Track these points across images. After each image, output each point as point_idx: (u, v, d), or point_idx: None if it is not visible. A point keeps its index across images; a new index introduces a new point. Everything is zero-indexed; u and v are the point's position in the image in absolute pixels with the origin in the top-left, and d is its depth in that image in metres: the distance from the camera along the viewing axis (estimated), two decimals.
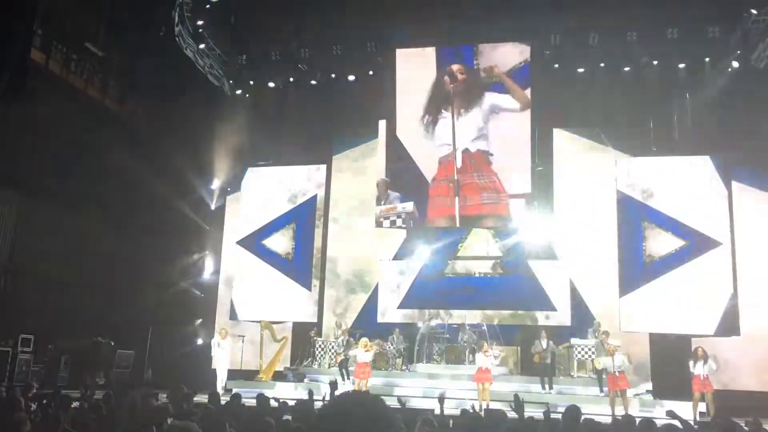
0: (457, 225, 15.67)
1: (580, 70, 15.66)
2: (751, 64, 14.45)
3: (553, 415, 6.98)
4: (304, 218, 16.94)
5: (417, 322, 15.87)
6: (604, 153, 15.89)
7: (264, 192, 17.27)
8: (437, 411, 8.59)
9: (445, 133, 15.68)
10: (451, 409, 11.47)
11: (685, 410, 11.34)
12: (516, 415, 7.11)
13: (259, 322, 16.41)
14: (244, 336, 15.86)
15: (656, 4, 14.32)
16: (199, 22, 15.67)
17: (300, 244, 16.79)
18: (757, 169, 15.09)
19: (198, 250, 17.75)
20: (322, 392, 12.71)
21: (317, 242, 16.88)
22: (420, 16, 15.03)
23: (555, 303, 14.97)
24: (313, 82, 16.95)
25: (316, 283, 16.67)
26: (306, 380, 14.60)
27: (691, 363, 11.83)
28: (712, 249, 14.46)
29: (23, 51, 14.20)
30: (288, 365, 16.40)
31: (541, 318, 15.12)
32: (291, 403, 8.41)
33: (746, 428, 7.22)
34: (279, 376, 15.55)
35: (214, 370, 14.25)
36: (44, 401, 7.73)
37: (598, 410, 11.24)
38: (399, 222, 15.98)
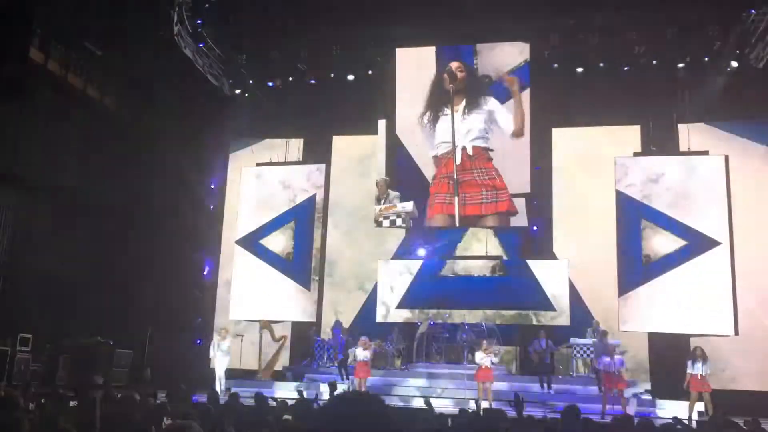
0: (457, 224, 15.66)
1: (580, 69, 15.65)
2: (750, 64, 14.45)
3: (552, 415, 6.98)
4: (304, 218, 16.95)
5: (416, 322, 15.88)
6: (604, 152, 15.89)
7: (263, 191, 17.27)
8: (436, 410, 8.60)
9: (445, 131, 15.67)
10: (450, 408, 11.49)
11: (684, 410, 11.38)
12: (515, 415, 7.12)
13: (258, 321, 16.43)
14: (243, 335, 15.86)
15: (655, 3, 14.30)
16: (198, 22, 15.65)
17: (299, 243, 16.79)
18: (757, 168, 15.10)
19: (197, 250, 17.73)
20: (321, 392, 12.76)
21: (316, 242, 16.88)
22: (419, 16, 15.02)
23: (554, 303, 14.98)
24: (313, 81, 16.93)
25: (315, 282, 16.67)
26: (305, 379, 14.61)
27: (689, 362, 11.85)
28: (712, 249, 14.47)
29: (22, 50, 14.19)
30: (287, 364, 16.42)
31: (540, 318, 15.12)
32: (290, 402, 8.41)
33: (745, 428, 7.22)
34: (278, 376, 15.56)
35: (213, 369, 14.24)
36: (42, 401, 7.72)
37: (598, 410, 11.26)
38: (398, 221, 15.98)
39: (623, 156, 15.60)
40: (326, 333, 16.10)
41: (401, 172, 16.09)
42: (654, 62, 15.24)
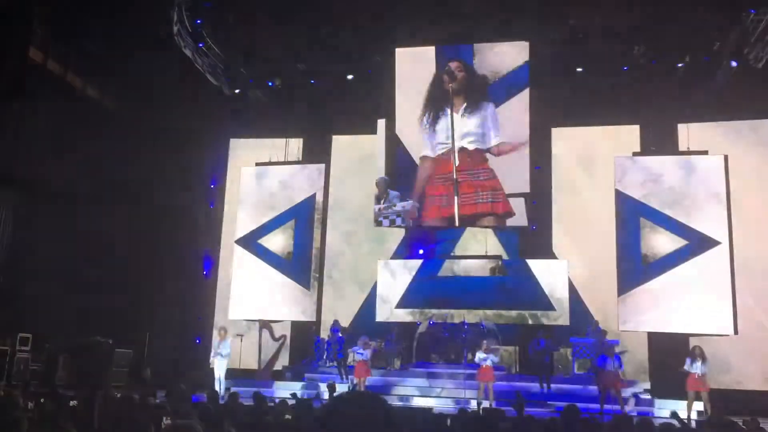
0: (456, 224, 15.65)
1: (579, 69, 15.66)
2: (750, 64, 14.45)
3: (551, 414, 6.99)
4: (303, 217, 16.94)
5: (416, 322, 15.88)
6: (603, 152, 15.90)
7: (262, 191, 17.27)
8: (435, 410, 8.61)
9: (444, 131, 15.67)
10: (449, 407, 11.50)
11: (683, 410, 11.38)
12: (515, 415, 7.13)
13: (258, 321, 16.44)
14: (242, 335, 15.87)
15: (655, 3, 14.31)
16: (198, 21, 15.65)
17: (299, 243, 16.79)
18: (757, 168, 15.11)
19: (196, 249, 17.73)
20: (322, 392, 12.77)
21: (316, 241, 16.88)
22: (419, 16, 15.01)
23: (553, 302, 14.99)
24: (312, 81, 16.93)
25: (314, 282, 16.67)
26: (305, 379, 14.62)
27: (688, 361, 11.85)
28: (711, 248, 14.47)
29: (22, 50, 14.19)
30: (287, 364, 16.42)
31: (540, 317, 15.13)
32: (291, 402, 8.41)
33: (744, 427, 7.23)
34: (278, 375, 15.57)
35: (213, 369, 14.24)
36: (42, 400, 7.72)
37: (597, 409, 11.27)
38: (398, 221, 15.98)
39: (623, 155, 15.61)
40: (326, 332, 16.10)
41: (401, 172, 16.09)
42: (653, 62, 15.24)
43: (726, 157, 14.87)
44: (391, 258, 16.70)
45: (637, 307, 14.62)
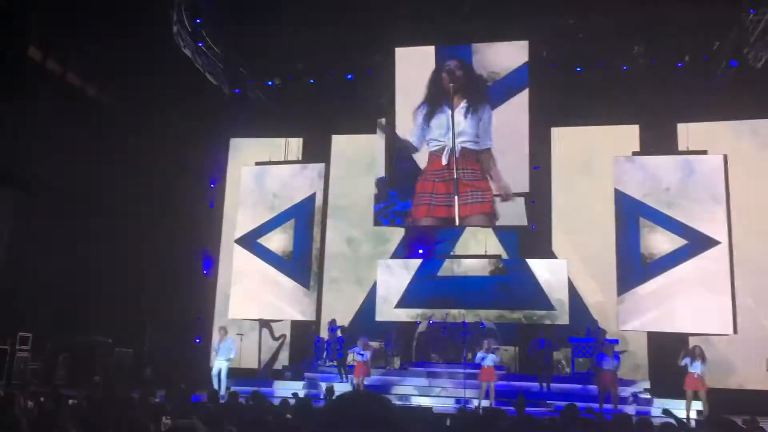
0: (457, 224, 15.64)
1: (579, 69, 15.66)
2: (749, 64, 14.46)
3: (551, 414, 7.00)
4: (303, 217, 16.94)
5: (415, 321, 15.88)
6: (603, 152, 15.90)
7: (262, 190, 17.27)
8: (435, 410, 8.61)
9: (439, 128, 15.65)
10: (449, 407, 11.50)
11: (681, 409, 11.39)
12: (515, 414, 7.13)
13: (258, 320, 16.44)
14: (242, 335, 15.87)
15: (654, 3, 14.31)
16: (197, 21, 15.65)
17: (298, 242, 16.79)
18: (756, 167, 15.12)
19: (196, 249, 17.74)
20: (321, 391, 12.78)
21: (316, 241, 16.88)
22: (419, 15, 15.01)
23: (553, 302, 15.00)
24: (312, 80, 16.93)
25: (314, 281, 16.67)
26: (305, 379, 14.62)
27: (687, 360, 11.85)
28: (710, 248, 14.48)
29: (21, 49, 14.19)
30: (287, 364, 16.43)
31: (540, 317, 15.14)
32: (292, 401, 8.41)
33: (743, 427, 7.23)
34: (278, 375, 15.57)
35: (212, 368, 14.23)
36: (42, 399, 7.73)
37: (596, 409, 11.26)
38: (398, 221, 15.98)
39: (622, 155, 15.61)
40: (326, 332, 16.10)
41: (400, 171, 16.09)
42: (653, 62, 15.25)
43: (725, 157, 14.87)
44: (391, 258, 16.71)
45: (637, 307, 14.62)
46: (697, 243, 14.57)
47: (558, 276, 15.21)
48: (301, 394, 11.60)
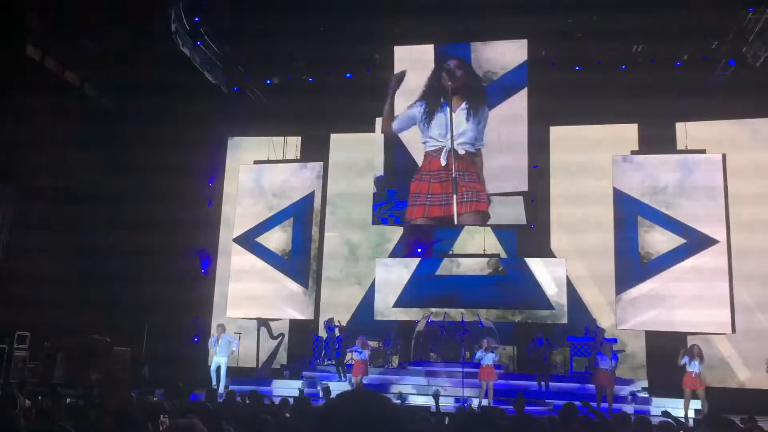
0: (455, 222, 15.62)
1: (578, 68, 15.65)
2: (748, 63, 14.46)
3: (549, 413, 6.99)
4: (301, 216, 16.93)
5: (414, 320, 15.87)
6: (601, 151, 15.90)
7: (261, 189, 17.25)
8: (433, 408, 8.60)
9: (437, 128, 15.64)
10: (448, 406, 11.49)
11: (679, 408, 11.40)
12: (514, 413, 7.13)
13: (256, 319, 16.42)
14: (240, 333, 15.85)
15: (653, 2, 14.31)
16: (196, 19, 15.62)
17: (297, 241, 16.78)
18: (755, 166, 15.13)
19: (194, 247, 17.70)
20: (318, 389, 12.76)
21: (314, 240, 16.87)
22: (418, 14, 14.99)
23: (552, 301, 15.00)
24: (310, 79, 16.91)
25: (312, 280, 16.66)
26: (303, 378, 14.61)
27: (686, 359, 11.86)
28: (709, 247, 14.49)
29: (19, 47, 14.16)
30: (285, 363, 16.41)
31: (538, 316, 15.14)
32: (290, 400, 8.41)
33: (741, 426, 7.24)
34: (276, 374, 15.56)
35: (209, 367, 14.22)
36: (39, 398, 7.72)
37: (595, 408, 11.26)
38: (396, 220, 15.97)
39: (621, 154, 15.61)
40: (324, 331, 16.10)
41: (399, 170, 16.08)
42: (652, 61, 15.24)
43: (724, 156, 14.89)
44: (389, 256, 16.70)
45: (635, 306, 14.64)
46: (695, 242, 14.58)
47: (556, 275, 15.21)
48: (303, 393, 11.59)
